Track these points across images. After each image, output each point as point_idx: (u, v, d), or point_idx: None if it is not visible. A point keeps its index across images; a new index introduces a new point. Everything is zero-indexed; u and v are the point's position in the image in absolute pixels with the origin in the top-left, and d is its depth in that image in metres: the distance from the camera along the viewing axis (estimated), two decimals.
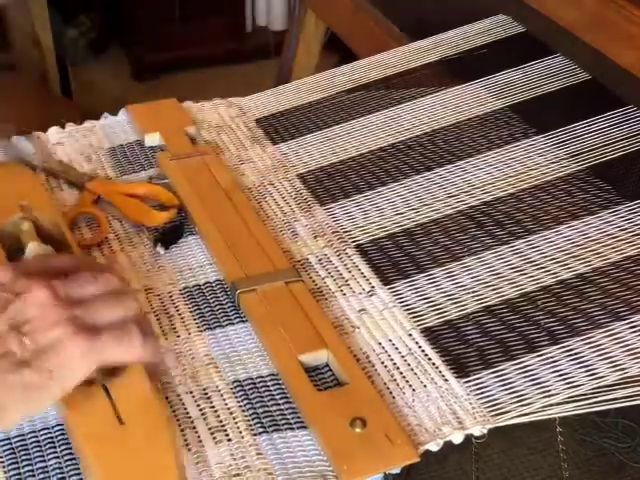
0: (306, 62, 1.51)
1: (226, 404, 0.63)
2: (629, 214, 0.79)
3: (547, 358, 0.66)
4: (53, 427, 0.61)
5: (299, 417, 0.62)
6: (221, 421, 0.62)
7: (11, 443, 0.60)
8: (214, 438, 0.60)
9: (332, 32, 1.43)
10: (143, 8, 2.63)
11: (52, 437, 0.60)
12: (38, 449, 0.60)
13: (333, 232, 0.79)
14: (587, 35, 0.94)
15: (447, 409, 0.62)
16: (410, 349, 0.67)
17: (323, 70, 1.05)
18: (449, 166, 0.87)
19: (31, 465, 0.59)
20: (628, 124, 0.89)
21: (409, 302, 0.71)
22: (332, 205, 0.83)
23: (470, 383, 0.64)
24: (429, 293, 0.72)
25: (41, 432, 0.60)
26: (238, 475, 0.58)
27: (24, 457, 0.59)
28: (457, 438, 0.61)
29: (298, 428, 0.61)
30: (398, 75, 1.02)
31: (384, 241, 0.78)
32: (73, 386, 0.53)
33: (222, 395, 0.64)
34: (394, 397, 0.64)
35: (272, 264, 0.74)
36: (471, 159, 0.87)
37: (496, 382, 0.64)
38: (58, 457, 0.59)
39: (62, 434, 0.60)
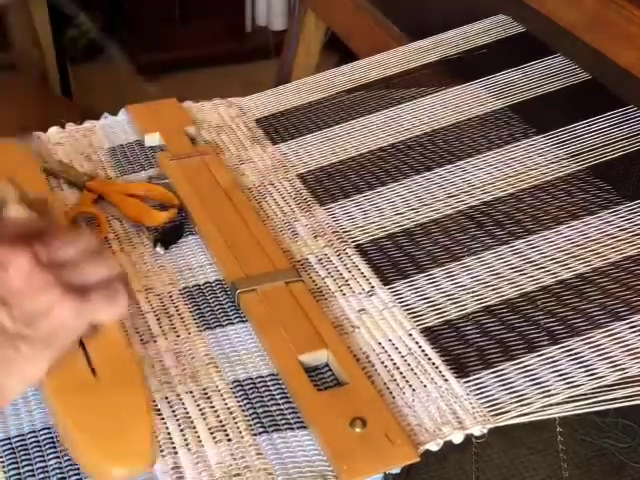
0: (306, 62, 1.51)
1: (226, 404, 0.63)
2: (629, 214, 0.79)
3: (547, 358, 0.66)
4: (53, 427, 0.61)
5: (299, 417, 0.62)
6: (221, 421, 0.62)
7: (11, 443, 0.60)
8: (214, 438, 0.60)
9: (332, 32, 1.43)
10: (143, 8, 2.63)
11: (52, 437, 0.60)
12: (38, 449, 0.60)
13: (333, 232, 0.79)
14: (587, 35, 0.94)
15: (447, 409, 0.62)
16: (410, 349, 0.67)
17: (323, 70, 1.05)
18: (449, 166, 0.87)
19: (31, 465, 0.59)
20: (628, 124, 0.89)
21: (409, 302, 0.71)
22: (332, 205, 0.83)
23: (470, 383, 0.64)
24: (429, 293, 0.72)
25: (41, 432, 0.60)
26: (238, 475, 0.58)
27: (24, 457, 0.59)
28: (457, 438, 0.61)
29: (298, 428, 0.61)
30: (398, 75, 1.02)
31: (384, 241, 0.78)
32: (67, 348, 0.52)
33: (222, 395, 0.64)
34: (394, 397, 0.64)
35: (272, 264, 0.74)
36: (471, 159, 0.87)
37: (496, 382, 0.64)
38: (58, 457, 0.59)
39: None
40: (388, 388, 0.64)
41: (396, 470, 0.59)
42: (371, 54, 1.06)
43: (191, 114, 0.95)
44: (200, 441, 0.60)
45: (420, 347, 0.67)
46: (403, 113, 0.95)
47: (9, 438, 0.60)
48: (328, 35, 1.49)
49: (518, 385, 0.64)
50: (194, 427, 0.61)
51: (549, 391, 0.63)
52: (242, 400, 0.63)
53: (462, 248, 0.77)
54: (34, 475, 0.58)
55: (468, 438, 0.61)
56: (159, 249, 0.77)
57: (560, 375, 0.64)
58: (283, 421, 0.62)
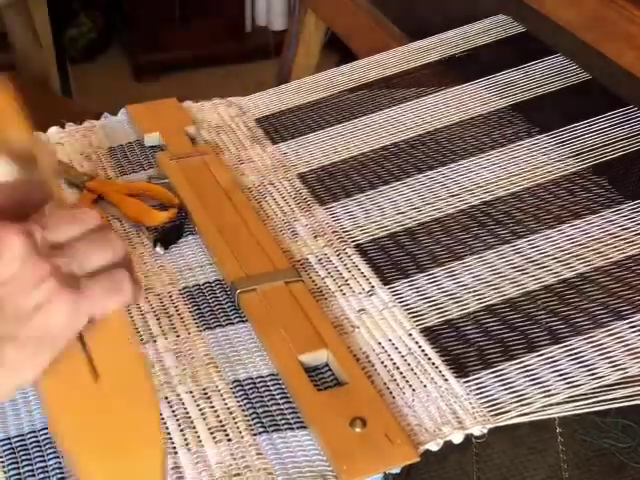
0: (306, 62, 1.51)
1: (226, 404, 0.63)
2: (631, 213, 0.79)
3: (547, 358, 0.66)
4: None
5: (299, 417, 0.62)
6: (221, 421, 0.62)
7: (11, 443, 0.60)
8: (214, 438, 0.60)
9: (332, 32, 1.43)
10: (143, 8, 2.63)
11: (52, 437, 0.60)
12: (38, 449, 0.60)
13: (333, 232, 0.79)
14: (587, 35, 0.94)
15: (447, 409, 0.62)
16: (410, 349, 0.67)
17: (323, 70, 1.05)
18: (450, 165, 0.87)
19: (31, 465, 0.59)
20: (629, 124, 0.89)
21: (409, 302, 0.71)
22: (332, 205, 0.83)
23: (470, 383, 0.64)
24: (429, 293, 0.72)
25: (41, 432, 0.61)
26: (238, 475, 0.58)
27: (24, 457, 0.59)
28: (457, 438, 0.61)
29: (298, 428, 0.61)
30: (398, 75, 1.02)
31: (384, 241, 0.78)
32: (63, 346, 0.44)
33: (222, 395, 0.64)
34: (394, 397, 0.64)
35: (272, 264, 0.74)
36: (473, 158, 0.87)
37: (496, 382, 0.64)
38: (58, 457, 0.59)
39: None
40: (388, 388, 0.64)
41: (396, 470, 0.59)
42: (371, 54, 1.06)
43: (191, 114, 0.95)
44: (200, 441, 0.60)
45: (420, 347, 0.67)
46: (402, 113, 0.95)
47: (9, 438, 0.60)
48: (328, 35, 1.49)
49: (518, 385, 0.64)
50: (194, 427, 0.61)
51: (549, 391, 0.63)
52: (242, 400, 0.63)
53: (463, 248, 0.77)
54: (34, 475, 0.58)
55: (468, 438, 0.61)
56: (159, 249, 0.77)
57: (560, 375, 0.64)
58: (283, 421, 0.62)
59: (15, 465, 0.59)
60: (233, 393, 0.64)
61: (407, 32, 1.18)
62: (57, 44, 2.14)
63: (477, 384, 0.64)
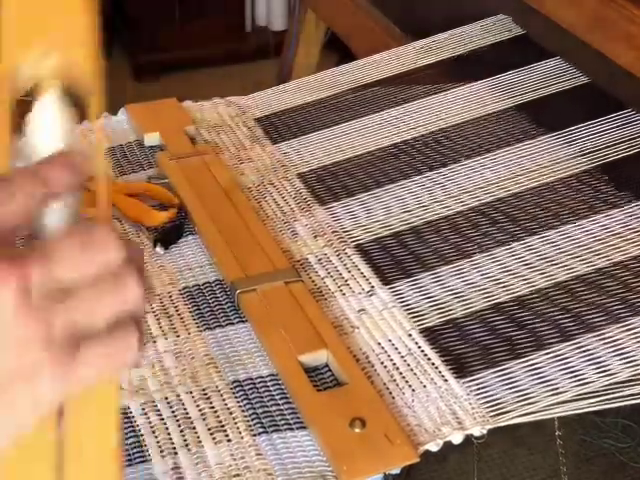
0: (306, 62, 1.51)
1: (226, 404, 0.63)
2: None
3: (556, 356, 0.66)
4: None
5: (299, 417, 0.62)
6: (221, 421, 0.62)
7: None
8: (214, 438, 0.60)
9: (332, 32, 1.43)
10: (143, 8, 2.63)
11: None
12: None
13: (333, 232, 0.79)
14: (587, 35, 0.94)
15: (447, 409, 0.62)
16: (410, 349, 0.67)
17: (323, 70, 1.05)
18: (448, 167, 0.87)
19: None
20: (631, 126, 0.88)
21: (409, 302, 0.71)
22: (332, 205, 0.83)
23: (470, 383, 0.64)
24: (430, 292, 0.72)
25: None
26: (238, 475, 0.58)
27: None
28: (456, 438, 0.61)
29: (298, 428, 0.61)
30: (398, 75, 1.02)
31: (383, 241, 0.78)
32: (32, 424, 0.33)
33: (222, 395, 0.64)
34: (394, 397, 0.64)
35: (272, 264, 0.74)
36: (478, 157, 0.87)
37: (495, 382, 0.64)
38: None
39: None
40: (388, 388, 0.64)
41: (396, 470, 0.59)
42: (371, 54, 1.06)
43: (191, 114, 0.95)
44: (200, 441, 0.60)
45: (420, 347, 0.67)
46: (402, 113, 0.95)
47: None
48: (328, 35, 1.49)
49: (518, 384, 0.64)
50: (194, 427, 0.61)
51: (557, 389, 0.63)
52: (242, 400, 0.63)
53: (469, 246, 0.77)
54: None
55: (468, 438, 0.61)
56: (159, 249, 0.77)
57: (570, 372, 0.64)
58: (283, 421, 0.62)
59: None
60: (233, 393, 0.64)
61: (407, 32, 1.18)
62: None
63: (478, 384, 0.64)
